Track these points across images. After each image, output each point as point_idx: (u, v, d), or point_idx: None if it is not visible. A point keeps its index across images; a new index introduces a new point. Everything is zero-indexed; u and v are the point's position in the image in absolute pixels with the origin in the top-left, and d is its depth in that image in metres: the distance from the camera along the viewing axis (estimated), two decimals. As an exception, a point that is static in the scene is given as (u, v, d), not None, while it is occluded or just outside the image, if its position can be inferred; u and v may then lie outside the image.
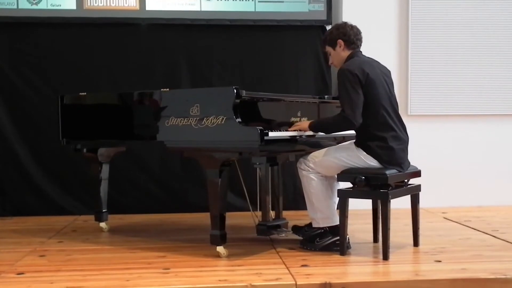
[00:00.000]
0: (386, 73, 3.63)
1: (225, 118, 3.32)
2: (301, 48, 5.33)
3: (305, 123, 3.59)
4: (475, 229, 4.33)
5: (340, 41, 3.61)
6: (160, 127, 3.60)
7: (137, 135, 3.85)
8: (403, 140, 3.55)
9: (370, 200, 3.79)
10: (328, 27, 5.29)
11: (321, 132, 3.63)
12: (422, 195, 3.75)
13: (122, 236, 4.20)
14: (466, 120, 5.41)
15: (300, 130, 3.58)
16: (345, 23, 3.66)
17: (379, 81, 3.49)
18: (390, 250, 3.41)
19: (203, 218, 4.23)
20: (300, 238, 3.77)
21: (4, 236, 4.25)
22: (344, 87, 3.43)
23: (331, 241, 3.58)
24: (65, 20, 5.06)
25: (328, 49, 3.69)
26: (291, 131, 3.57)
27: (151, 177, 5.22)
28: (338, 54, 3.64)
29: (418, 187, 3.72)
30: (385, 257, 3.38)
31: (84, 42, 5.12)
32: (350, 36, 3.60)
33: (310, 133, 3.62)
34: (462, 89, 5.37)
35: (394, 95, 3.62)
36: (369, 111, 3.44)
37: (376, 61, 3.65)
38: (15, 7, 5.02)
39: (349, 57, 3.60)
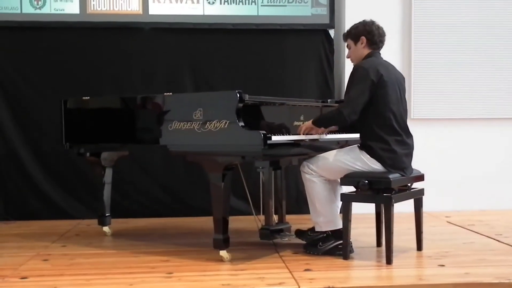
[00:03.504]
0: (400, 78, 3.63)
1: (228, 122, 3.32)
2: (304, 52, 5.33)
3: (308, 122, 3.62)
4: (478, 233, 4.32)
5: (363, 38, 3.60)
6: (163, 131, 3.61)
7: (140, 139, 3.85)
8: (408, 145, 3.54)
9: (373, 204, 3.79)
10: (331, 31, 5.31)
11: (322, 126, 3.64)
12: (425, 199, 3.75)
13: (125, 240, 4.20)
14: (469, 123, 5.41)
15: (306, 129, 3.60)
16: (373, 22, 3.65)
17: (391, 84, 3.49)
18: (394, 254, 3.40)
19: (206, 222, 4.23)
20: (303, 242, 3.77)
21: (8, 240, 4.26)
22: (352, 82, 3.46)
23: (334, 245, 3.58)
24: (68, 25, 5.08)
25: (350, 42, 3.68)
26: (300, 134, 3.59)
27: (154, 181, 5.22)
28: (358, 50, 3.64)
29: (421, 191, 3.72)
30: (388, 261, 3.37)
31: (88, 47, 5.13)
32: (374, 36, 3.59)
33: (315, 136, 3.64)
34: (465, 93, 5.37)
35: (405, 102, 3.62)
36: (376, 112, 3.45)
37: (393, 65, 3.65)
38: (18, 11, 5.04)
39: (367, 56, 3.60)
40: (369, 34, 3.60)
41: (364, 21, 3.68)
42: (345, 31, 3.75)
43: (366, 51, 3.62)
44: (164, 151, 3.65)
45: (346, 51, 3.77)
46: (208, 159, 3.45)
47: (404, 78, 3.71)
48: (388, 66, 3.59)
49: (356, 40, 3.64)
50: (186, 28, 5.19)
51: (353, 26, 3.71)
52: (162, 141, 3.64)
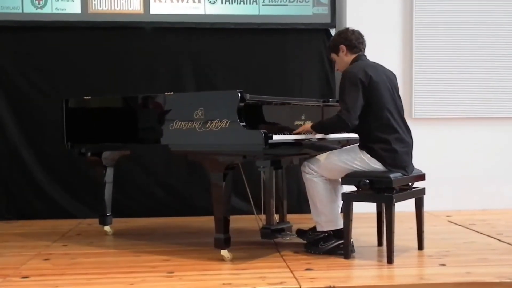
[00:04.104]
0: (390, 77, 3.64)
1: (229, 121, 3.32)
2: (305, 52, 5.33)
3: (307, 125, 3.63)
4: (479, 232, 4.32)
5: (342, 47, 3.64)
6: (165, 131, 3.61)
7: (141, 139, 3.86)
8: (407, 143, 3.54)
9: (374, 204, 3.79)
10: (332, 31, 5.31)
11: (322, 133, 3.64)
12: (426, 198, 3.74)
13: (126, 239, 4.21)
14: (471, 123, 5.40)
15: (304, 131, 3.60)
16: (347, 29, 3.69)
17: (383, 84, 3.49)
18: (395, 253, 3.40)
19: (208, 221, 4.23)
20: (304, 241, 3.77)
21: (9, 240, 4.26)
22: (344, 88, 3.46)
23: (335, 244, 3.58)
24: (69, 24, 5.08)
25: (333, 55, 3.73)
26: (296, 134, 3.58)
27: (155, 180, 5.22)
28: (342, 59, 3.67)
29: (422, 191, 3.71)
30: (390, 260, 3.37)
31: (89, 46, 5.13)
32: (352, 41, 3.62)
33: (316, 135, 3.64)
34: (466, 92, 5.36)
35: (400, 99, 3.63)
36: (373, 113, 3.45)
37: (381, 65, 3.66)
38: (20, 11, 5.04)
39: (353, 61, 3.62)
40: (346, 40, 3.63)
41: (338, 31, 3.77)
42: (326, 47, 3.80)
43: (350, 57, 3.64)
44: (165, 151, 3.66)
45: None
46: (209, 158, 3.45)
47: (395, 76, 3.72)
48: (376, 66, 3.60)
49: (336, 50, 3.68)
50: (187, 28, 5.19)
51: (330, 39, 3.80)
52: (163, 140, 3.64)
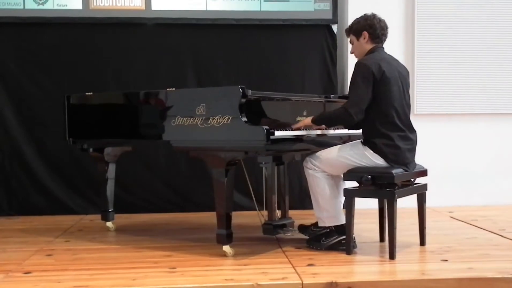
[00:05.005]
0: (403, 73, 3.60)
1: (231, 117, 3.32)
2: (306, 48, 5.33)
3: (308, 118, 3.61)
4: (481, 228, 4.32)
5: (365, 33, 3.58)
6: (166, 127, 3.61)
7: (143, 135, 3.86)
8: (411, 140, 3.53)
9: (376, 199, 3.79)
10: (334, 27, 5.30)
11: (324, 124, 3.62)
12: (428, 194, 3.74)
13: (128, 235, 4.21)
14: (473, 119, 5.40)
15: (305, 126, 3.58)
16: (374, 16, 3.61)
17: (394, 80, 3.47)
18: (397, 249, 3.40)
19: (210, 217, 4.24)
20: (306, 237, 3.77)
21: (11, 236, 4.27)
22: (355, 80, 3.43)
23: (337, 240, 3.58)
24: (71, 20, 5.08)
25: (352, 38, 3.66)
26: (296, 128, 3.57)
27: (157, 176, 5.23)
28: (361, 45, 3.62)
29: (424, 186, 3.71)
30: (392, 256, 3.37)
31: (90, 42, 5.13)
32: (376, 30, 3.56)
33: (318, 131, 3.63)
34: (468, 88, 5.35)
35: (408, 96, 3.60)
36: (379, 109, 3.44)
37: (396, 60, 3.63)
38: (21, 7, 5.04)
39: (370, 51, 3.57)
40: (371, 28, 3.57)
41: (365, 15, 3.65)
42: (347, 27, 3.73)
43: (369, 46, 3.59)
44: (167, 147, 3.66)
45: (349, 46, 3.76)
46: (211, 154, 3.45)
47: (408, 73, 3.68)
48: (391, 61, 3.57)
49: (358, 35, 3.61)
50: (189, 24, 5.18)
51: (354, 21, 3.68)
52: (165, 136, 3.64)
